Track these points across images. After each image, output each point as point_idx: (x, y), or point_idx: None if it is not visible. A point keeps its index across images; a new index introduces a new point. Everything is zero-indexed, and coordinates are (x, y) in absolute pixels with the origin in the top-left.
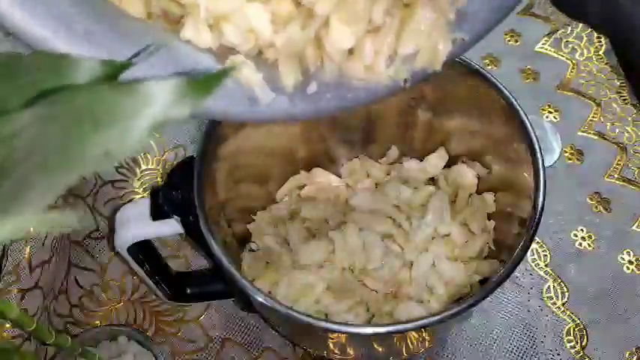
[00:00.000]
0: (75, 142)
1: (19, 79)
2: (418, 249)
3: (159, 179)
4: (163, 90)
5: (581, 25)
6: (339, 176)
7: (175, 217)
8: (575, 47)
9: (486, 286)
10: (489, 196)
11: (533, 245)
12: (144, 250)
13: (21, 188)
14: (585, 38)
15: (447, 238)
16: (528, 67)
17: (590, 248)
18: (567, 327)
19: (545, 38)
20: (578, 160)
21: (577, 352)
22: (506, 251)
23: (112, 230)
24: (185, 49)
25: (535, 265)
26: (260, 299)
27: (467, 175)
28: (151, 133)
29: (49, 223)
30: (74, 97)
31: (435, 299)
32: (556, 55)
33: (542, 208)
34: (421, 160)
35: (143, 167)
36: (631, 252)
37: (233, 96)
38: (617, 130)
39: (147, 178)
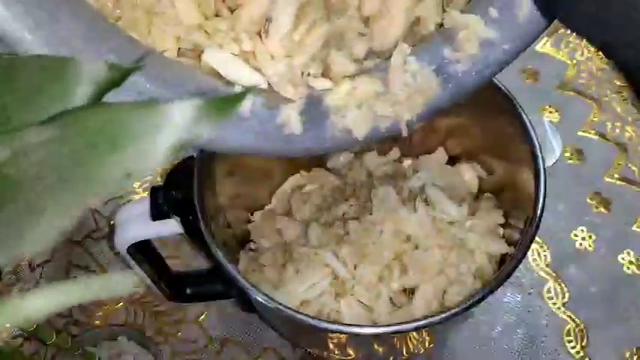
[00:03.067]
0: (91, 163)
1: (19, 81)
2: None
3: (159, 179)
4: (183, 110)
5: None
6: (339, 176)
7: (175, 217)
8: (576, 47)
9: (486, 286)
10: (489, 197)
11: (533, 245)
12: (144, 250)
13: (34, 210)
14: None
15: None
16: (528, 67)
17: (590, 248)
18: (567, 327)
19: (546, 38)
20: (578, 160)
21: (577, 352)
22: None
23: (112, 230)
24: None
25: (535, 265)
26: (260, 299)
27: (467, 175)
28: (172, 154)
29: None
30: (90, 116)
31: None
32: (556, 55)
33: (543, 208)
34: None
35: None
36: (631, 252)
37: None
38: (617, 130)
39: (147, 178)
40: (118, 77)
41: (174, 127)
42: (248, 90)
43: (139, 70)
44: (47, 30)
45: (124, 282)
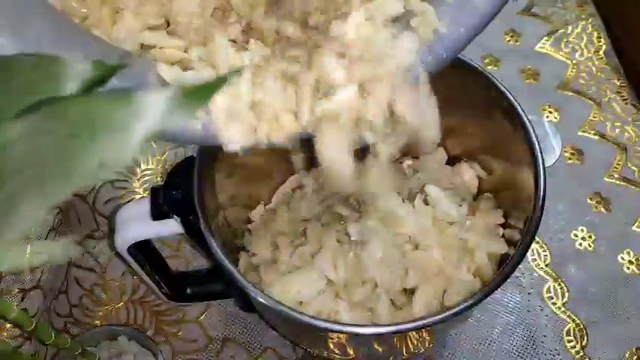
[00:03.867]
0: (71, 153)
1: (9, 81)
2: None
3: (159, 179)
4: (158, 100)
5: (581, 24)
6: None
7: (175, 217)
8: (575, 47)
9: (486, 286)
10: (489, 197)
11: (533, 245)
12: (144, 250)
13: (14, 201)
14: (585, 38)
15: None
16: (528, 67)
17: (590, 248)
18: (567, 327)
19: (545, 38)
20: (578, 160)
21: (577, 352)
22: None
23: (112, 230)
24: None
25: (535, 265)
26: (260, 299)
27: (467, 175)
28: (147, 143)
29: (48, 254)
30: (69, 108)
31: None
32: (556, 55)
33: (543, 209)
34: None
35: (143, 167)
36: (631, 252)
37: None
38: (617, 130)
39: (147, 178)
40: (104, 74)
41: (150, 118)
42: (222, 80)
43: (123, 68)
44: (19, 34)
45: (60, 250)
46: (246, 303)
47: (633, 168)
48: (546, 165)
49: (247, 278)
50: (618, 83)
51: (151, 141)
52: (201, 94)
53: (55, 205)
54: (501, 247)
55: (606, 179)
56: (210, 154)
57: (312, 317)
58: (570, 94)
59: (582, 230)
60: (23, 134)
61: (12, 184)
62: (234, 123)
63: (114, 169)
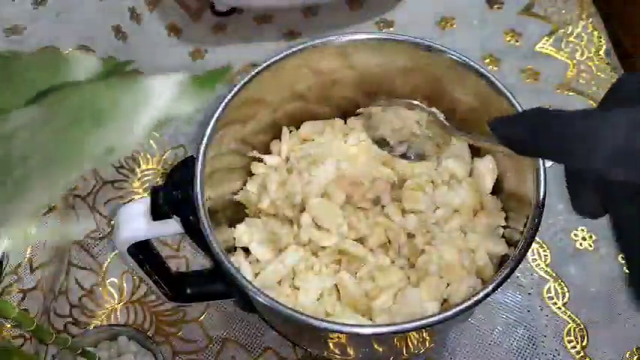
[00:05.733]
0: (75, 139)
1: (17, 76)
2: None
3: (159, 179)
4: (165, 86)
5: (581, 24)
6: None
7: (175, 217)
8: (576, 47)
9: (487, 286)
10: (490, 197)
11: (534, 245)
12: (144, 250)
13: (21, 188)
14: (586, 38)
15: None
16: (528, 67)
17: (590, 248)
18: (567, 327)
19: (546, 38)
20: None
21: (577, 352)
22: None
23: (112, 230)
24: None
25: (535, 265)
26: (260, 299)
27: (484, 168)
28: (153, 130)
29: (53, 232)
30: (73, 94)
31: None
32: (556, 55)
33: (543, 208)
34: None
35: (143, 167)
36: None
37: None
38: None
39: (147, 178)
40: (112, 70)
41: (157, 104)
42: (228, 68)
43: (131, 63)
44: None
45: (66, 229)
46: (246, 303)
47: None
48: (546, 165)
49: (247, 278)
50: None
51: (158, 128)
52: (208, 80)
53: (62, 190)
54: (502, 249)
55: None
56: (211, 153)
57: (312, 317)
58: (571, 93)
59: (582, 230)
60: (28, 123)
61: (19, 170)
62: None
63: (121, 155)
